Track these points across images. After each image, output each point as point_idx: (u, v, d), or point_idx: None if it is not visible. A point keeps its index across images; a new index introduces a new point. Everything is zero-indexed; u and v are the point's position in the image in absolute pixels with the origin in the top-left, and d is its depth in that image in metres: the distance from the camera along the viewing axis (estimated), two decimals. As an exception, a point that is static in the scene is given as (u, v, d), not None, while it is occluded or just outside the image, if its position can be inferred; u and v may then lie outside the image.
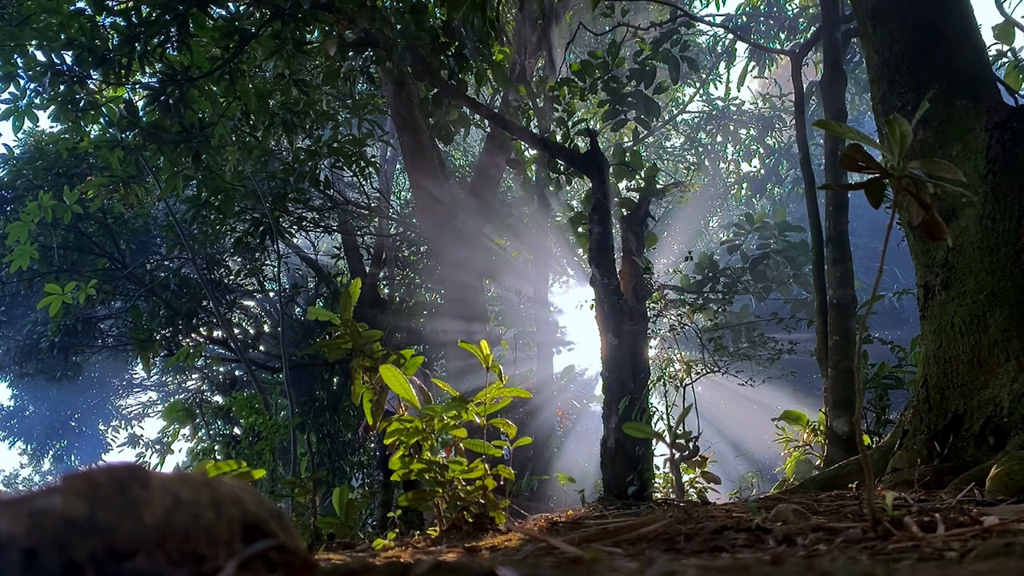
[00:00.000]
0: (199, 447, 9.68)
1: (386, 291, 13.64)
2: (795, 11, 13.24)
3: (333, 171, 10.48)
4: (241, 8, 6.49)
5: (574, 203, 11.60)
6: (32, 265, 9.26)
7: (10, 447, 19.63)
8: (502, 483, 2.69)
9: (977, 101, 3.31)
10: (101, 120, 7.13)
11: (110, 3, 6.07)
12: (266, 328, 15.28)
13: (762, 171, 17.04)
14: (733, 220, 13.82)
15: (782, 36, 13.19)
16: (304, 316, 14.49)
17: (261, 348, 14.64)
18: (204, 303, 11.68)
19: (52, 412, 18.82)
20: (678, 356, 8.54)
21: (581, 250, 8.63)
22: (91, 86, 6.55)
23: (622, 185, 8.35)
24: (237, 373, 16.64)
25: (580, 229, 7.85)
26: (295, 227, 11.90)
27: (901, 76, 3.55)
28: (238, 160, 8.34)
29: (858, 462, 3.53)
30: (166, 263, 12.65)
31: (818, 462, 5.66)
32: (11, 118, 6.61)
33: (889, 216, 1.76)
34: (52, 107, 6.40)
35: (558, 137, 8.00)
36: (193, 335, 12.31)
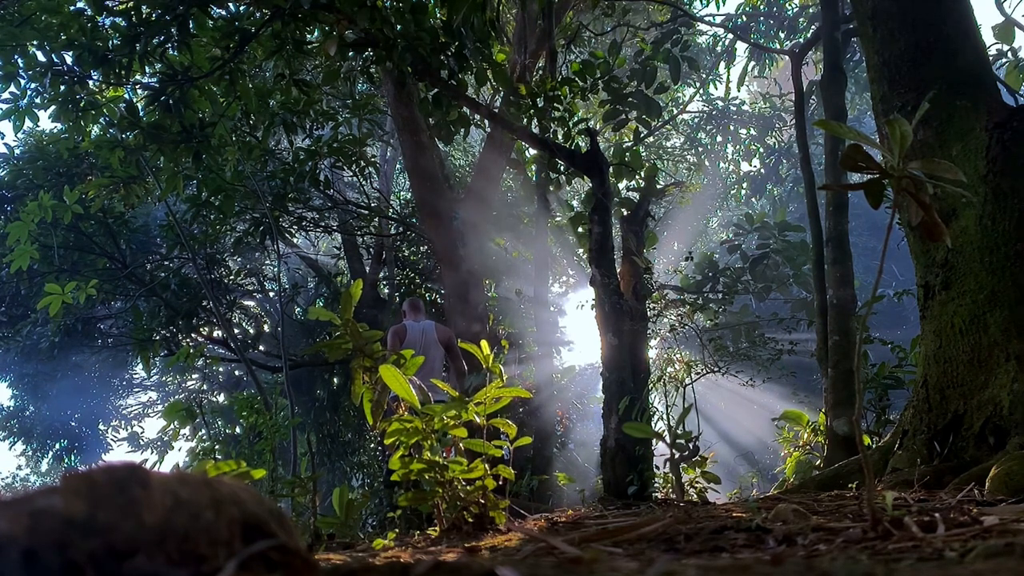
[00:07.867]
0: (199, 447, 9.66)
1: (386, 291, 13.63)
2: (795, 11, 13.24)
3: (333, 171, 10.47)
4: (241, 8, 6.49)
5: (574, 203, 11.59)
6: (32, 265, 9.24)
7: (10, 447, 19.57)
8: (502, 483, 2.68)
9: (977, 101, 3.31)
10: (101, 120, 7.12)
11: (110, 3, 6.06)
12: (266, 328, 15.27)
13: (762, 171, 17.04)
14: (733, 220, 13.83)
15: (782, 36, 13.19)
16: (304, 316, 14.49)
17: (261, 348, 14.63)
18: (204, 303, 11.67)
19: (52, 412, 18.78)
20: (678, 356, 8.54)
21: (581, 250, 8.63)
22: (91, 86, 6.54)
23: (622, 185, 8.36)
24: (237, 373, 16.64)
25: (580, 229, 7.85)
26: (295, 227, 11.90)
27: (901, 76, 3.55)
28: (238, 160, 8.33)
29: (858, 462, 3.53)
30: (166, 263, 12.64)
31: (818, 462, 5.66)
32: (11, 118, 6.60)
33: (889, 216, 1.76)
34: (52, 107, 6.39)
35: (559, 137, 8.00)
36: (193, 335, 12.30)
